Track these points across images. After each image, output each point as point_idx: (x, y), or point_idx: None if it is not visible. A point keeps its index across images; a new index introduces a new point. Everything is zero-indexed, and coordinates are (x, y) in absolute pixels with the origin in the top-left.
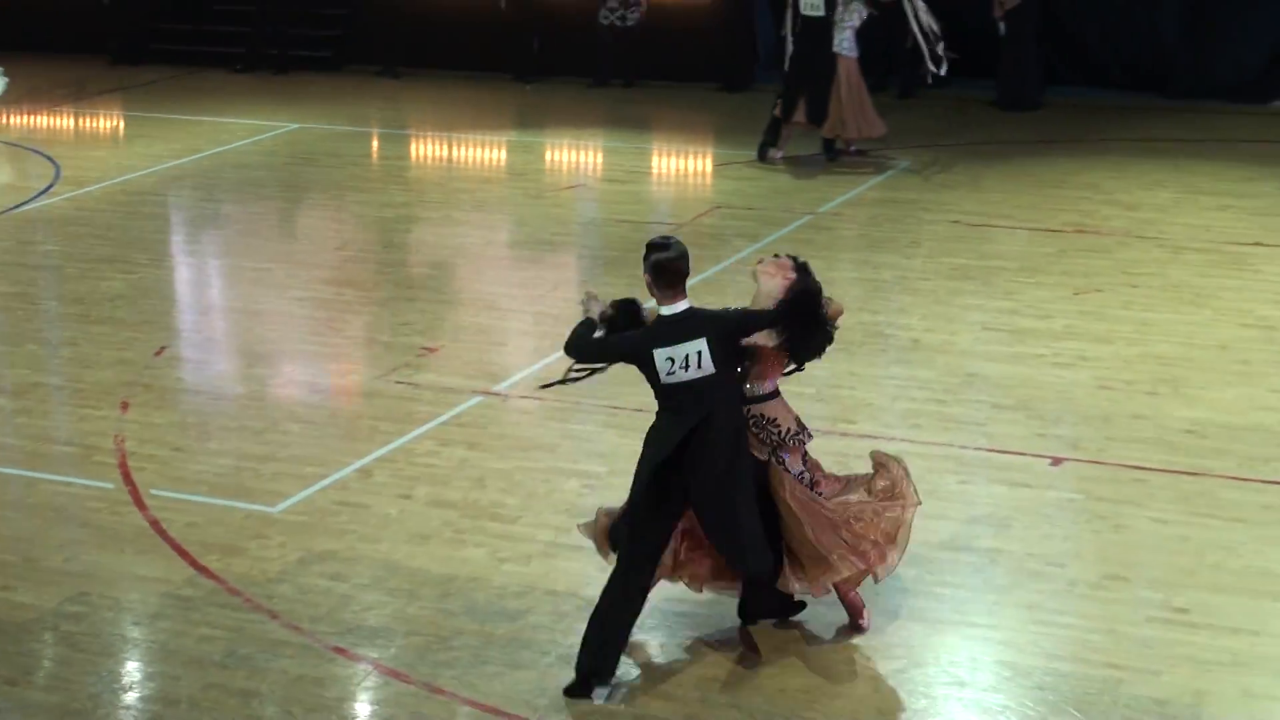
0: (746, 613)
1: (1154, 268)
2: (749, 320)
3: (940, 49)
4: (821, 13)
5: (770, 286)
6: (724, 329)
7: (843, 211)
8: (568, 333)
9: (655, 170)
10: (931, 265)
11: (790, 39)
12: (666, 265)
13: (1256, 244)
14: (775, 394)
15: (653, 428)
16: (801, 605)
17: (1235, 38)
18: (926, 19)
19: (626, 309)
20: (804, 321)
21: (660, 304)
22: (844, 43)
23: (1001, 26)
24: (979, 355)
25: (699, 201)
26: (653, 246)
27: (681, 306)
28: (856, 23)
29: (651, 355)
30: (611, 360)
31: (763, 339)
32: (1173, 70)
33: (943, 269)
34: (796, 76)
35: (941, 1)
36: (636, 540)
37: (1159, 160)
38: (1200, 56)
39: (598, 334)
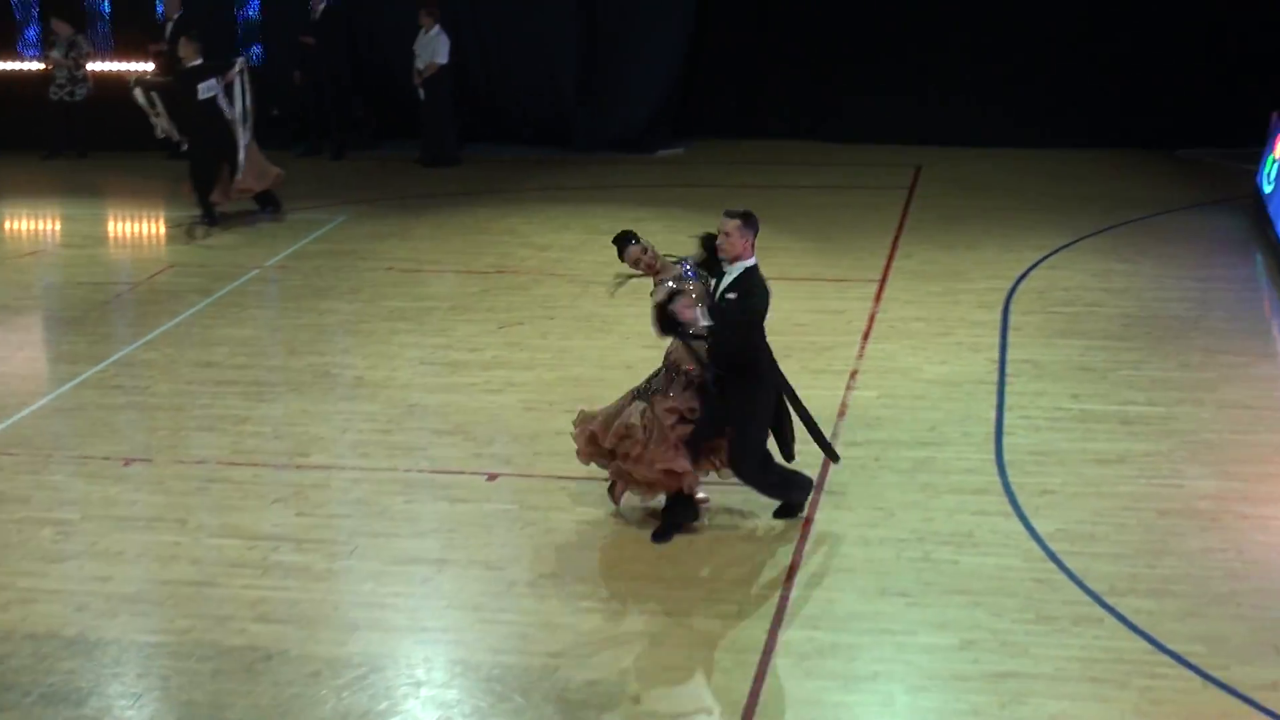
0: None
1: (567, 301)
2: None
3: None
4: (214, 93)
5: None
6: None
7: (288, 264)
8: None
9: (111, 235)
10: (371, 309)
11: (168, 125)
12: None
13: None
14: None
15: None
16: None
17: (623, 98)
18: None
19: (708, 244)
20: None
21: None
22: (227, 110)
23: (421, 92)
24: (418, 387)
25: (154, 261)
26: (748, 214)
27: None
28: (221, 89)
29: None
30: (758, 319)
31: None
32: (573, 127)
33: (381, 311)
34: (204, 153)
35: (369, 71)
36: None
37: (565, 205)
38: (595, 114)
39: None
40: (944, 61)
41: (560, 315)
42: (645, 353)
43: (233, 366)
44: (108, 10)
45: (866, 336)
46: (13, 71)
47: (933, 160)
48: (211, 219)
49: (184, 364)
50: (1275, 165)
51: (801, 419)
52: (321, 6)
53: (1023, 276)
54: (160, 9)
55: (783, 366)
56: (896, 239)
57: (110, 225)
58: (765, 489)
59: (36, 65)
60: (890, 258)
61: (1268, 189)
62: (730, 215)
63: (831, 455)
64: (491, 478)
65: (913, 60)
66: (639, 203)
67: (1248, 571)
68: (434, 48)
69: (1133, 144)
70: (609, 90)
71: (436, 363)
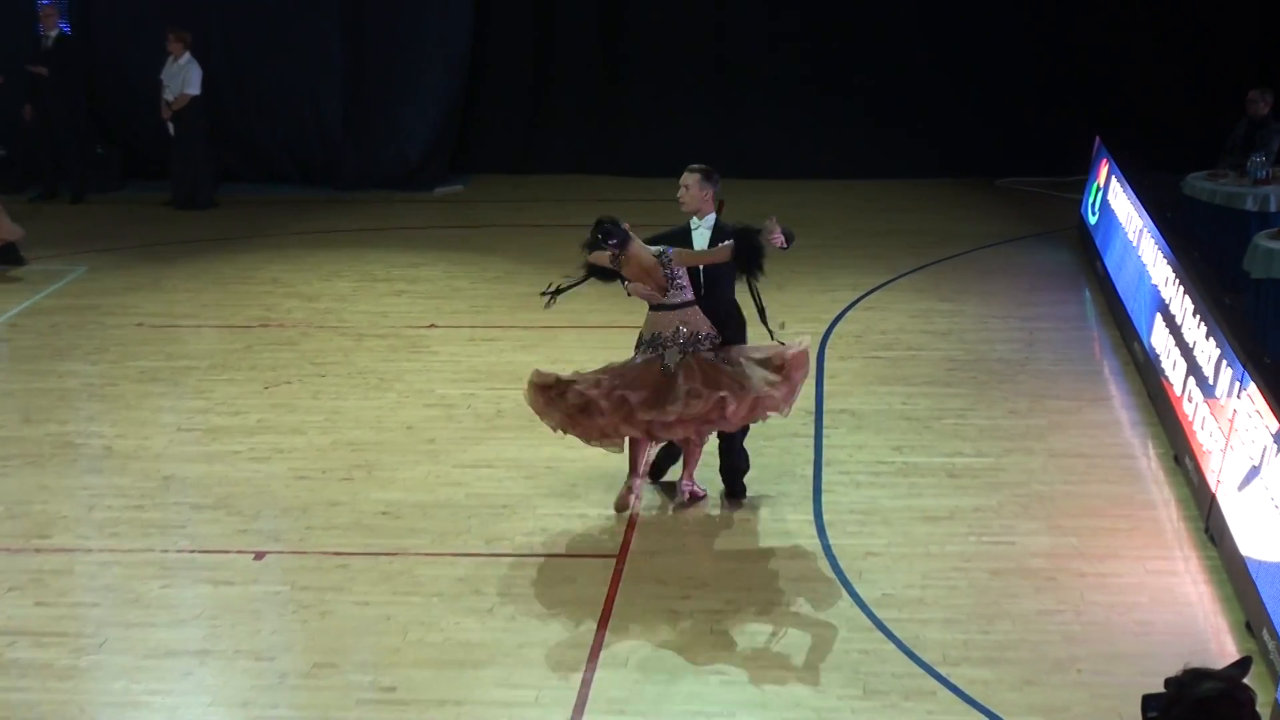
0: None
1: (339, 356)
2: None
3: None
4: None
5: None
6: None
7: (20, 322)
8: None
9: None
10: (119, 370)
11: None
12: (706, 174)
13: (431, 326)
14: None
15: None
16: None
17: (396, 132)
18: None
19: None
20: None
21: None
22: None
23: (170, 127)
24: (175, 457)
25: None
26: (708, 170)
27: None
28: None
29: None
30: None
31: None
32: (341, 164)
33: (131, 373)
34: None
35: (111, 104)
36: None
37: (335, 251)
38: (366, 150)
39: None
40: (742, 86)
41: (331, 372)
42: (427, 410)
43: None
44: None
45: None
46: None
47: (732, 192)
48: None
49: None
50: (1099, 194)
51: None
52: (54, 32)
53: (837, 319)
54: None
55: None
56: None
57: None
58: (744, 453)
59: None
60: None
61: (1093, 220)
62: (691, 170)
63: None
64: (259, 556)
65: (709, 86)
66: (416, 245)
67: (1086, 634)
68: (184, 77)
69: (950, 174)
70: (379, 123)
71: (195, 428)
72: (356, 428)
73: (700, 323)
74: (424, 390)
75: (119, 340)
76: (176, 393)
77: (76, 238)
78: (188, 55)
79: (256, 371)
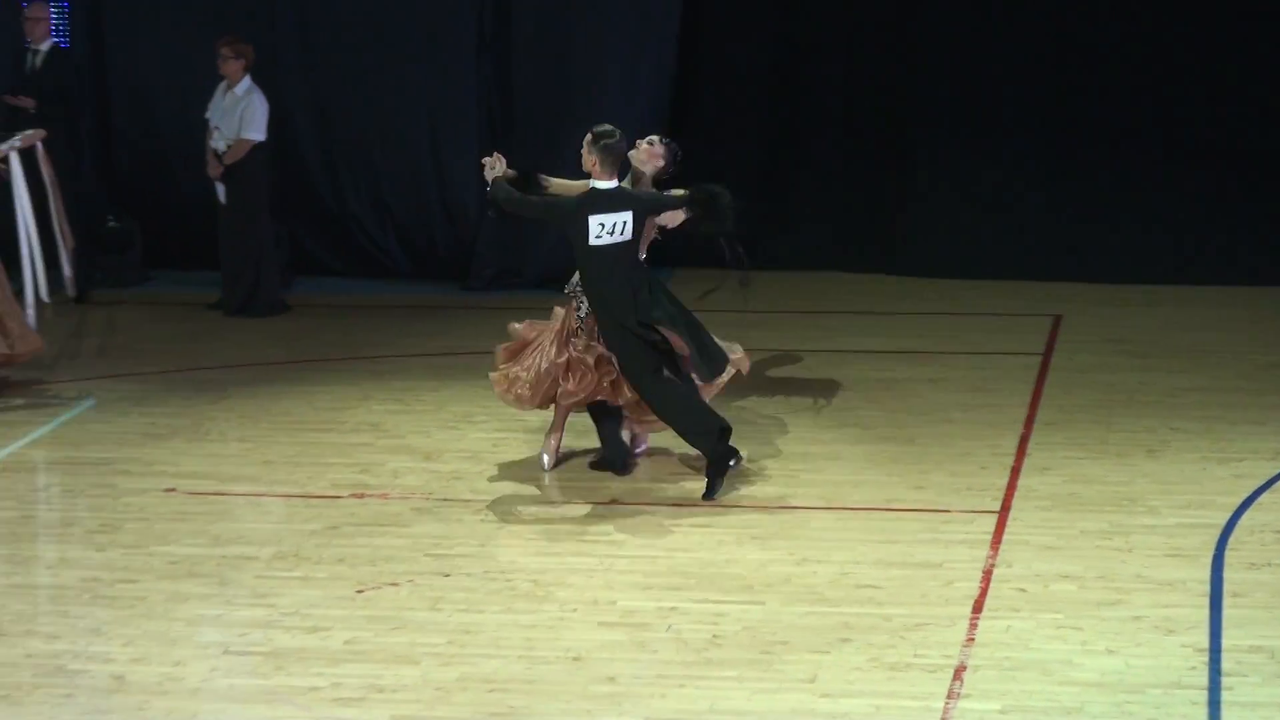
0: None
1: (472, 545)
2: (662, 203)
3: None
4: None
5: (650, 170)
6: (644, 206)
7: None
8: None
9: None
10: (137, 559)
11: None
12: (612, 148)
13: (613, 502)
14: None
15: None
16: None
17: None
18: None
19: (530, 178)
20: (708, 205)
21: (596, 180)
22: None
23: (220, 190)
24: (219, 694)
25: None
26: (600, 134)
27: (614, 184)
28: None
29: (587, 220)
30: (539, 215)
31: (669, 218)
32: (476, 253)
33: (156, 563)
34: None
35: (129, 153)
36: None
37: (466, 383)
38: (511, 234)
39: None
40: (1093, 166)
41: (460, 570)
42: (605, 634)
43: None
44: None
45: (979, 608)
46: None
47: (1078, 304)
48: None
49: None
50: None
51: None
52: (44, 46)
53: (1243, 506)
54: None
55: (837, 654)
56: (1025, 441)
57: None
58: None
59: None
60: (1015, 473)
61: None
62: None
63: None
64: None
65: (1047, 162)
66: None
67: None
68: (243, 114)
69: None
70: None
71: (251, 651)
72: (496, 656)
73: None
74: (599, 601)
75: (139, 513)
76: (224, 595)
77: (77, 356)
78: (248, 80)
79: (345, 566)
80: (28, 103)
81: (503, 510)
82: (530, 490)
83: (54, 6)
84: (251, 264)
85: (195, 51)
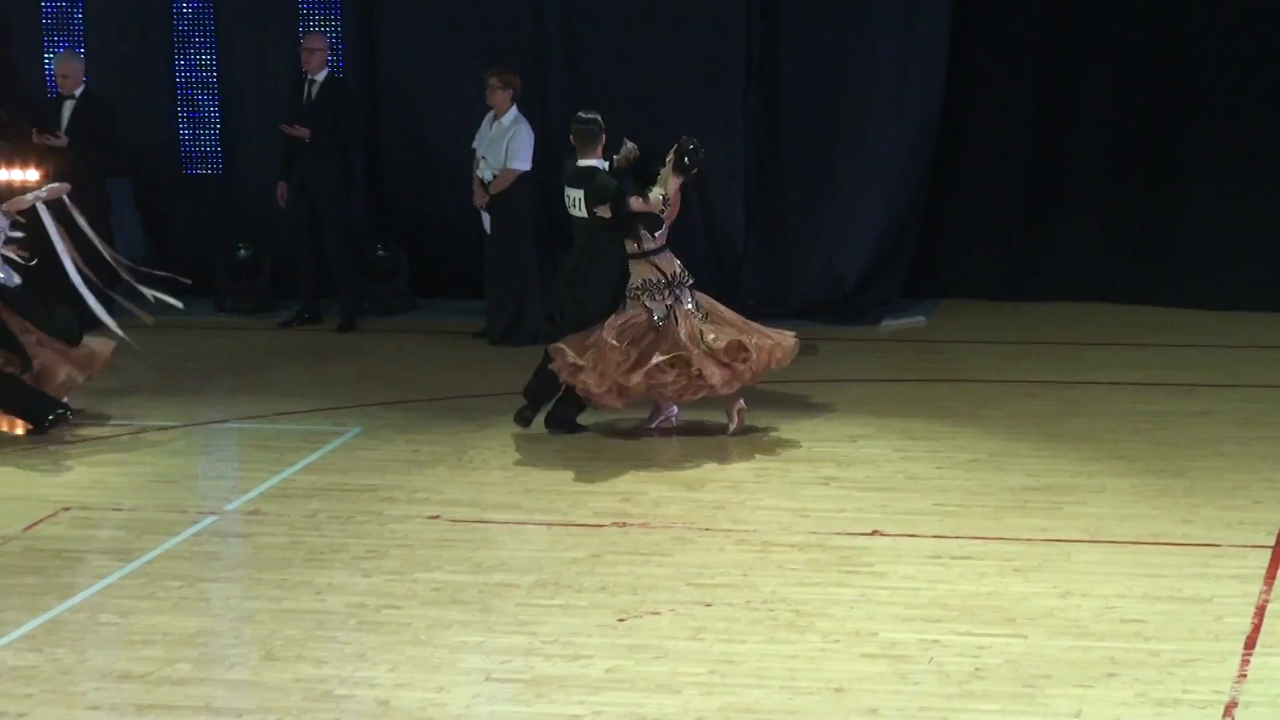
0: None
1: (734, 575)
2: (599, 194)
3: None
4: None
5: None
6: (590, 192)
7: (264, 509)
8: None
9: None
10: (402, 585)
11: None
12: (580, 130)
13: (874, 533)
14: (651, 253)
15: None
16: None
17: (823, 236)
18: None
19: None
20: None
21: (578, 157)
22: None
23: (486, 219)
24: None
25: (38, 502)
26: (576, 119)
27: (590, 163)
28: None
29: (565, 189)
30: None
31: (639, 204)
32: (739, 280)
33: (420, 590)
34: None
35: (399, 182)
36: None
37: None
38: (776, 261)
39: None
40: None
41: (722, 600)
42: (866, 665)
43: (169, 681)
44: None
45: (1251, 644)
46: None
47: None
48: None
49: (83, 672)
50: None
51: None
52: (321, 76)
53: None
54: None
55: (1102, 689)
56: None
57: None
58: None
59: None
60: None
61: None
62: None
63: None
64: None
65: None
66: (859, 409)
67: None
68: (509, 144)
69: None
70: (797, 221)
71: (513, 678)
72: (757, 686)
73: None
74: (861, 632)
75: (404, 540)
76: (486, 622)
77: (346, 384)
78: (515, 111)
79: (607, 595)
80: (303, 133)
81: (765, 540)
82: (792, 520)
83: (331, 40)
84: (515, 293)
85: (464, 82)
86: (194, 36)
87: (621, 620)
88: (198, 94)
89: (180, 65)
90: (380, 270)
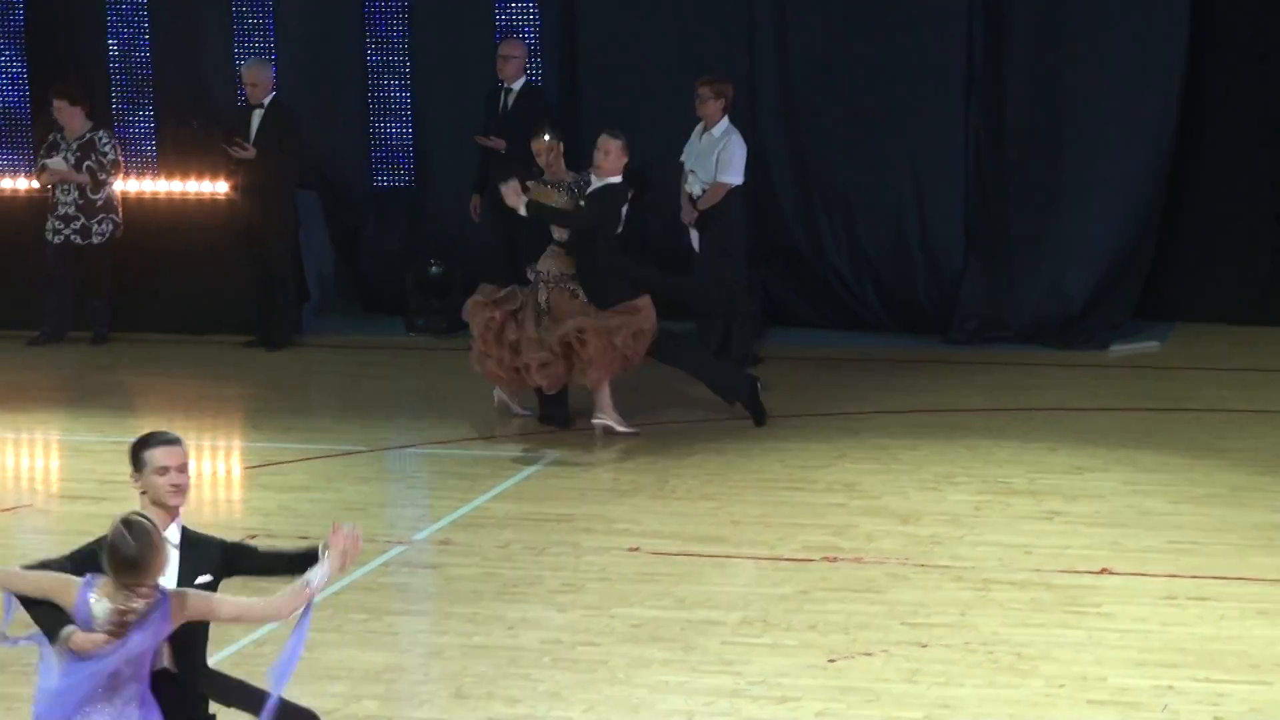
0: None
1: (951, 614)
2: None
3: None
4: None
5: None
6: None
7: (454, 538)
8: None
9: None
10: (598, 620)
11: None
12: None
13: (1103, 571)
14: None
15: None
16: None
17: (1048, 255)
18: None
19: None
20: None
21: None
22: None
23: (694, 236)
24: None
25: (224, 529)
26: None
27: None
28: None
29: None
30: None
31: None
32: (959, 303)
33: (619, 625)
34: None
35: None
36: None
37: (945, 442)
38: (997, 282)
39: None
40: None
41: (938, 641)
42: (1095, 712)
43: (355, 718)
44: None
45: None
46: None
47: None
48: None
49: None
50: None
51: None
52: (518, 84)
53: None
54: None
55: None
56: None
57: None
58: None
59: (16, 185)
60: None
61: None
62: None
63: None
64: None
65: None
66: (1080, 437)
67: None
68: (720, 156)
69: None
70: (1022, 238)
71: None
72: None
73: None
74: (1089, 677)
75: (601, 573)
76: (688, 661)
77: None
78: (726, 122)
79: (816, 634)
80: (498, 144)
81: (984, 577)
82: (1014, 556)
83: (529, 46)
84: (724, 312)
85: (669, 91)
86: (387, 43)
87: (832, 661)
88: (389, 103)
89: (372, 74)
90: None
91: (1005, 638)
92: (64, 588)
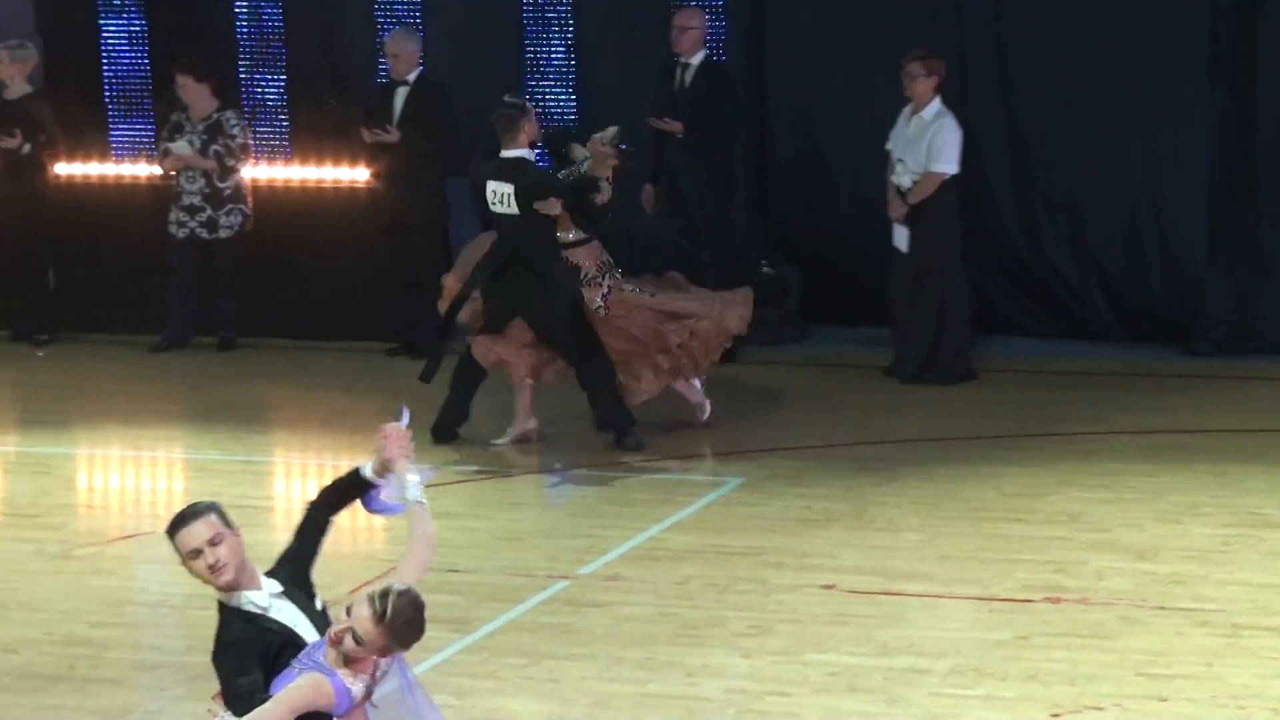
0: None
1: (1196, 663)
2: (543, 187)
3: None
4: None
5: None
6: (525, 185)
7: (624, 572)
8: None
9: (284, 503)
10: (788, 668)
11: None
12: (499, 118)
13: None
14: (583, 241)
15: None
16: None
17: None
18: None
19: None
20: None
21: (503, 148)
22: None
23: (902, 234)
24: None
25: (364, 560)
26: (502, 104)
27: (513, 153)
28: None
29: (485, 184)
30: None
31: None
32: (1202, 309)
33: (813, 673)
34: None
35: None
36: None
37: (1187, 470)
38: (1247, 284)
39: None
40: None
41: (1180, 694)
42: None
43: None
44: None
45: None
46: (94, 183)
47: None
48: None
49: None
50: None
51: None
52: (697, 59)
53: None
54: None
55: None
56: None
57: (281, 484)
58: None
59: (137, 171)
60: None
61: None
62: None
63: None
64: None
65: None
66: None
67: None
68: (931, 143)
69: None
70: (1276, 244)
71: None
72: None
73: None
74: None
75: (792, 613)
76: (890, 715)
77: (722, 426)
78: (938, 103)
79: (1037, 685)
80: (675, 126)
81: (1234, 622)
82: (1269, 598)
83: (709, 16)
84: (933, 322)
85: (872, 69)
86: (547, 13)
87: (1056, 716)
88: (550, 80)
89: (530, 46)
90: (766, 291)
91: (1259, 691)
92: (314, 694)
